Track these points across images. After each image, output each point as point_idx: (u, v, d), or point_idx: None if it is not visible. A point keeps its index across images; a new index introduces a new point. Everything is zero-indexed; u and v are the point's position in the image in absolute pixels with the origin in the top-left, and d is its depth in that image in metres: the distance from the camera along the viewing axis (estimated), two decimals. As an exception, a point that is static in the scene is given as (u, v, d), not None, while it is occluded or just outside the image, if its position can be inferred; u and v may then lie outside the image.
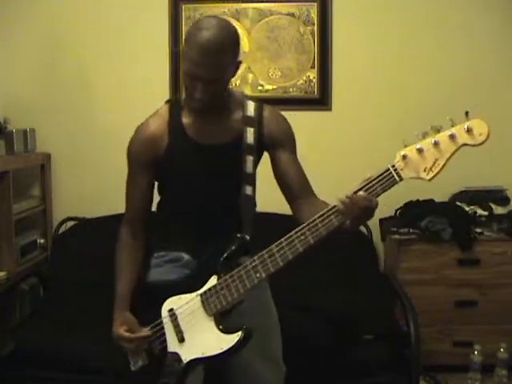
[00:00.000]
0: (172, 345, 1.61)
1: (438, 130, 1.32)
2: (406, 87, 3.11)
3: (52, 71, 3.14)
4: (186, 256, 1.71)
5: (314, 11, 3.07)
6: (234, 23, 3.08)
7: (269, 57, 3.11)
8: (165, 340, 1.63)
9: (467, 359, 2.71)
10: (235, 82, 3.11)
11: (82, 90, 3.14)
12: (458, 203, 2.97)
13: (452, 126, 1.31)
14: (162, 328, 1.63)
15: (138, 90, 3.10)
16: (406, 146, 1.37)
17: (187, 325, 1.60)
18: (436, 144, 1.32)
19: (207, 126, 1.67)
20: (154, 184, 1.74)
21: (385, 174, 1.38)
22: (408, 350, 2.28)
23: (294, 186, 1.69)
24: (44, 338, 2.39)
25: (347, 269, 2.78)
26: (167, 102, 1.75)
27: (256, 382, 1.68)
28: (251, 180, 1.68)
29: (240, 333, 1.53)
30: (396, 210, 3.02)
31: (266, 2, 3.08)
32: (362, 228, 3.02)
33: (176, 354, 1.60)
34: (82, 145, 3.16)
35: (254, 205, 1.70)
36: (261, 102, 1.73)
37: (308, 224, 1.44)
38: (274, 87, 3.13)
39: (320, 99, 3.12)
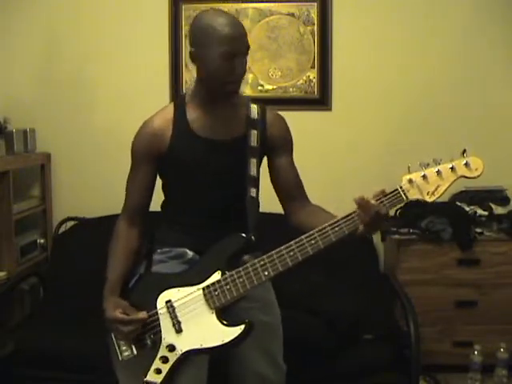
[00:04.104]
0: (168, 335, 1.62)
1: (438, 163, 1.53)
2: (407, 87, 3.11)
3: (52, 71, 3.14)
4: (190, 252, 1.74)
5: (314, 11, 3.07)
6: (234, 23, 3.09)
7: (269, 57, 3.11)
8: (158, 331, 1.63)
9: (467, 359, 2.71)
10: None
11: (81, 90, 3.14)
12: (458, 203, 2.97)
13: (451, 160, 1.53)
14: (157, 319, 1.64)
15: (137, 90, 3.10)
16: (409, 172, 1.56)
17: (186, 316, 1.61)
18: (439, 173, 1.52)
19: (212, 122, 1.69)
20: (155, 180, 1.76)
21: (394, 193, 1.54)
22: (408, 350, 2.28)
23: (291, 189, 1.77)
24: (44, 338, 2.39)
25: (347, 269, 2.78)
26: (173, 99, 1.79)
27: (258, 380, 1.69)
28: (255, 182, 1.71)
29: (243, 326, 1.56)
30: (396, 210, 3.02)
31: (266, 1, 3.08)
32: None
33: (171, 345, 1.61)
34: (82, 145, 3.16)
35: (258, 207, 1.73)
36: (263, 104, 1.79)
37: (319, 230, 1.53)
38: (274, 87, 3.13)
39: (320, 99, 3.12)
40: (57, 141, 3.17)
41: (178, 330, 1.61)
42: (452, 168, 1.52)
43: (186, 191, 1.74)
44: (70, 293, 2.72)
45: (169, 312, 1.63)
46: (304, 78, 3.11)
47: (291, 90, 3.13)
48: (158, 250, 1.78)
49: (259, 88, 3.13)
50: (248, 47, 1.64)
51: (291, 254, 1.53)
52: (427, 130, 3.12)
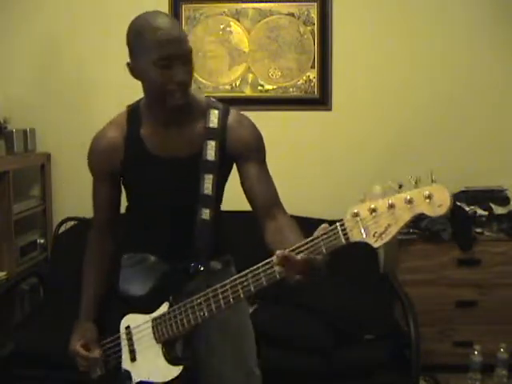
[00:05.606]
0: (125, 362, 1.61)
1: (399, 186, 1.17)
2: (406, 87, 3.11)
3: (52, 71, 3.14)
4: (152, 257, 1.67)
5: (314, 11, 3.07)
6: (234, 23, 3.09)
7: (269, 57, 3.11)
8: (119, 356, 1.63)
9: (467, 359, 2.71)
10: (235, 82, 3.11)
11: (81, 90, 3.14)
12: (458, 203, 2.97)
13: (415, 184, 1.16)
14: (119, 344, 1.63)
15: (137, 90, 3.08)
16: (362, 201, 1.21)
17: (140, 346, 1.58)
18: (391, 207, 1.16)
19: (167, 139, 1.57)
20: (118, 191, 1.68)
21: (332, 232, 1.25)
22: (408, 350, 2.28)
23: (261, 204, 1.57)
24: (44, 338, 2.39)
25: (347, 268, 2.78)
26: (128, 107, 1.66)
27: None
28: (209, 202, 1.55)
29: (181, 367, 1.52)
30: (396, 210, 3.02)
31: (266, 1, 3.08)
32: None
33: (128, 372, 1.61)
34: (82, 145, 3.13)
35: (213, 229, 1.57)
36: (226, 107, 1.61)
37: (251, 271, 1.37)
38: (274, 87, 3.13)
39: (320, 99, 3.12)
40: (57, 141, 3.17)
41: (133, 359, 1.60)
42: (409, 201, 1.14)
43: (140, 206, 1.68)
44: (69, 293, 2.71)
45: (127, 339, 1.61)
46: (304, 77, 3.11)
47: (291, 90, 3.13)
48: (125, 256, 1.74)
49: (259, 88, 3.13)
50: (187, 50, 1.46)
51: (225, 294, 1.41)
52: (427, 130, 3.12)
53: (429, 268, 2.81)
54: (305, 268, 1.28)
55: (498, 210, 2.95)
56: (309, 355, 2.32)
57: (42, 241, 3.08)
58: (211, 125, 1.56)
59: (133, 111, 1.62)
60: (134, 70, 1.50)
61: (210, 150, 1.55)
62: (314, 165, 3.15)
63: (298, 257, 1.27)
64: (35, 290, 2.96)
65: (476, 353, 2.68)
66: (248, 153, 1.58)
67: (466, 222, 2.86)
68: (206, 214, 1.55)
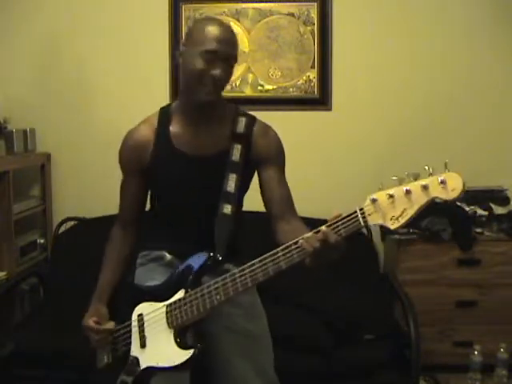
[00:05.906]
0: (134, 349, 1.65)
1: (415, 178, 1.28)
2: (406, 87, 3.11)
3: (52, 71, 3.14)
4: (168, 255, 1.74)
5: (314, 11, 3.07)
6: (234, 23, 3.09)
7: (269, 57, 3.11)
8: (130, 343, 1.67)
9: (467, 359, 2.70)
10: (235, 82, 3.11)
11: (82, 90, 3.14)
12: (458, 203, 2.96)
13: (429, 174, 1.27)
14: (130, 331, 1.67)
15: (138, 90, 3.10)
16: (380, 189, 1.30)
17: (150, 332, 1.62)
18: (408, 192, 1.26)
19: (194, 137, 1.67)
20: (145, 190, 1.77)
21: (351, 216, 1.34)
22: (408, 350, 2.28)
23: (276, 206, 1.67)
24: (44, 338, 2.39)
25: (347, 269, 2.78)
26: (161, 108, 1.75)
27: None
28: (231, 199, 1.64)
29: (192, 350, 1.54)
30: (396, 210, 3.02)
31: (266, 1, 3.08)
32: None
33: (136, 359, 1.63)
34: (81, 145, 3.17)
35: (233, 225, 1.65)
36: (253, 117, 1.72)
37: (271, 255, 1.43)
38: (274, 87, 3.13)
39: (320, 99, 3.12)
40: (57, 141, 3.17)
41: (142, 345, 1.63)
42: (425, 187, 1.25)
43: (164, 203, 1.75)
44: (69, 293, 2.72)
45: (139, 326, 1.65)
46: (304, 77, 3.11)
47: (291, 90, 3.13)
48: (140, 254, 1.80)
49: (259, 88, 3.13)
50: (231, 54, 1.60)
51: (243, 278, 1.46)
52: (427, 130, 3.12)
53: (429, 268, 2.81)
54: (325, 241, 1.35)
55: (498, 210, 2.95)
56: (309, 355, 2.32)
57: (42, 241, 3.08)
58: (238, 130, 1.68)
59: (164, 111, 1.73)
60: (183, 55, 1.62)
61: (236, 152, 1.66)
62: (314, 165, 3.15)
63: (323, 227, 1.35)
64: (35, 290, 2.96)
65: (476, 353, 2.68)
66: (269, 159, 1.70)
67: (466, 222, 2.86)
68: (227, 208, 1.64)
